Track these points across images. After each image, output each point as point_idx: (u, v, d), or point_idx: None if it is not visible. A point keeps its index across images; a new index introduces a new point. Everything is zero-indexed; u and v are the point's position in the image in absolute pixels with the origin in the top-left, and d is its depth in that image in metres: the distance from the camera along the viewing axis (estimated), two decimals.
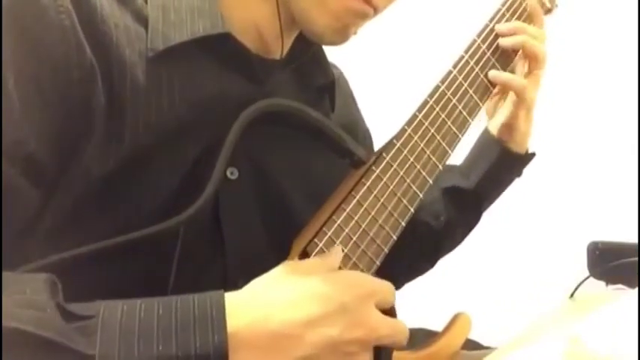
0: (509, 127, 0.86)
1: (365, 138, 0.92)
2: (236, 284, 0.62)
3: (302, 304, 0.54)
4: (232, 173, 0.64)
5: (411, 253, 0.94)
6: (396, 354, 0.68)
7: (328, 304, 0.55)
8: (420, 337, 0.79)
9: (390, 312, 0.62)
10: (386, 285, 0.61)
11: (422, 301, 1.45)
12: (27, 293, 0.48)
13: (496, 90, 0.82)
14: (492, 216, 0.96)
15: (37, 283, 0.50)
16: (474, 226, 0.95)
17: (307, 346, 0.53)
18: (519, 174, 0.92)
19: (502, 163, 0.89)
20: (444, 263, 1.01)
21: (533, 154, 0.91)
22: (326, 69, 0.79)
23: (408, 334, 0.61)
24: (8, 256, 0.53)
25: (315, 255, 0.62)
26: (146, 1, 0.64)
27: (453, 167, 0.93)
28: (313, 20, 0.67)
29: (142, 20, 0.63)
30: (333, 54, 0.90)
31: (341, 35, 0.69)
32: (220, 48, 0.65)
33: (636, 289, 0.84)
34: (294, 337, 0.53)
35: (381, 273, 0.93)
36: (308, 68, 0.77)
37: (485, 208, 0.94)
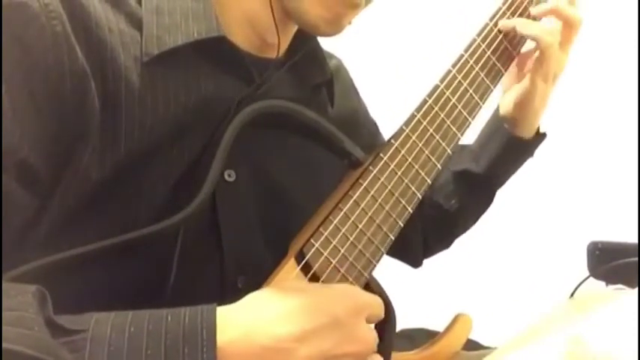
0: (523, 103, 0.84)
1: (368, 128, 0.92)
2: (235, 285, 0.62)
3: (293, 317, 0.54)
4: (230, 175, 0.64)
5: (426, 234, 0.96)
6: (396, 354, 0.67)
7: (319, 318, 0.54)
8: (421, 337, 0.79)
9: (387, 314, 0.62)
10: (377, 299, 0.61)
11: (422, 301, 1.45)
12: (15, 310, 0.48)
13: (515, 62, 0.81)
14: (492, 216, 0.96)
15: (26, 297, 0.49)
16: (486, 208, 0.94)
17: None
18: (531, 155, 0.90)
19: (512, 146, 0.88)
20: (444, 263, 1.01)
21: (544, 135, 0.89)
22: (323, 66, 0.79)
23: None
24: (7, 260, 0.52)
25: (311, 255, 0.61)
26: (140, 4, 0.64)
27: (464, 148, 0.92)
28: (305, 11, 0.68)
29: (136, 24, 0.62)
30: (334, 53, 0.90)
31: (334, 26, 0.69)
32: (215, 51, 0.65)
33: (636, 289, 0.83)
34: (285, 351, 0.52)
35: (401, 252, 0.95)
36: (305, 66, 0.77)
37: (497, 189, 0.93)
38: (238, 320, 0.53)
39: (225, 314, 0.52)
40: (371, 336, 0.58)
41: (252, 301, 0.56)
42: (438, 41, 1.62)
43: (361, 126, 0.90)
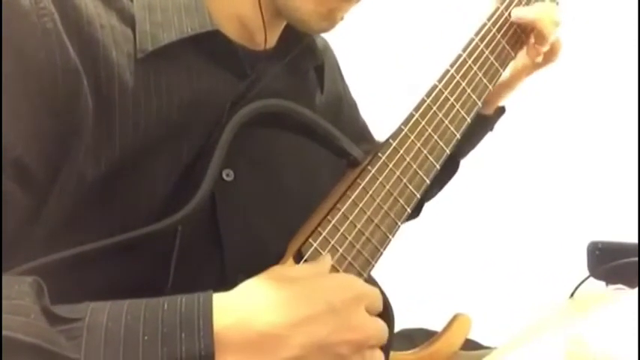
0: (505, 89, 0.91)
1: (350, 111, 0.94)
2: (234, 284, 0.62)
3: (289, 304, 0.54)
4: (228, 175, 0.64)
5: None
6: (395, 354, 0.67)
7: (315, 305, 0.54)
8: (420, 337, 0.79)
9: (385, 314, 0.62)
10: (375, 290, 0.60)
11: (422, 301, 1.45)
12: (12, 298, 0.48)
13: None
14: (492, 216, 0.96)
15: (23, 286, 0.49)
16: (452, 176, 1.01)
17: (294, 347, 0.52)
18: (492, 129, 0.98)
19: (476, 124, 0.93)
20: (444, 263, 1.01)
21: (503, 109, 0.96)
22: (315, 52, 0.78)
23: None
24: (6, 259, 0.52)
25: (309, 255, 0.61)
26: (131, 0, 0.64)
27: None
28: (296, 8, 0.67)
29: (128, 20, 0.62)
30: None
31: (327, 21, 0.69)
32: (209, 45, 0.65)
33: (636, 289, 0.83)
34: (281, 337, 0.52)
35: None
36: (298, 57, 0.76)
37: (461, 160, 1.00)
38: (235, 307, 0.53)
39: (221, 301, 0.52)
40: (370, 325, 0.57)
41: (249, 288, 0.56)
42: (438, 30, 1.62)
43: (344, 110, 0.91)
